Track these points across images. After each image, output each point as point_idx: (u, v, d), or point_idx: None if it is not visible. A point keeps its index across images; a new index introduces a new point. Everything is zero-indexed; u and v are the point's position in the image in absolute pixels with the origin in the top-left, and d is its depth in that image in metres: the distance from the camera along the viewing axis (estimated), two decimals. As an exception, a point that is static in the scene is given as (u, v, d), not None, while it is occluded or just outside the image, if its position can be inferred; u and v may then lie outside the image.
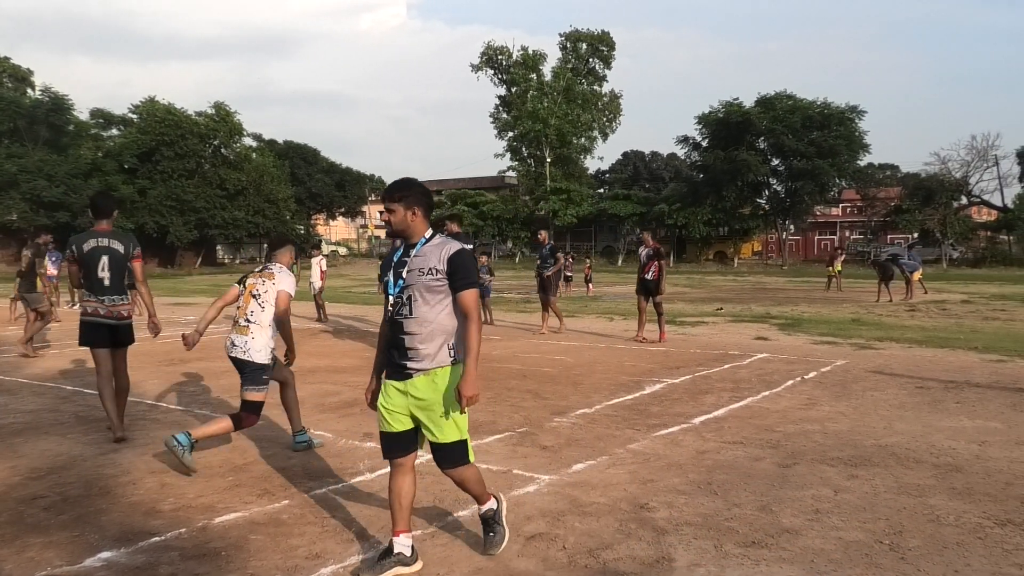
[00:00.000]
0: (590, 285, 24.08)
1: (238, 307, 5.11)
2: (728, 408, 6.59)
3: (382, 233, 67.95)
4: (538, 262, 12.86)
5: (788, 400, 6.92)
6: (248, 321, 4.98)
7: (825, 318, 14.62)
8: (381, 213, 3.42)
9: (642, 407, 6.66)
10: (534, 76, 52.92)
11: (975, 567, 3.33)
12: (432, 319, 3.24)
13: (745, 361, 9.24)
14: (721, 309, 16.76)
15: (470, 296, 3.27)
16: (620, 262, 46.80)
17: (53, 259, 14.93)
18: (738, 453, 5.16)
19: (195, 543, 3.62)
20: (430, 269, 3.23)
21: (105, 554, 3.49)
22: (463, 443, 3.33)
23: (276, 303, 5.02)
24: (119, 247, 5.70)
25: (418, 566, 3.33)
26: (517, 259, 51.11)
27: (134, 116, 45.12)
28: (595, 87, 54.47)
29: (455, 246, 3.29)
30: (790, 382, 7.80)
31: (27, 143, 40.80)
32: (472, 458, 3.39)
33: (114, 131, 47.41)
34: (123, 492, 4.39)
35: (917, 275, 20.56)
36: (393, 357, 3.32)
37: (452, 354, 3.27)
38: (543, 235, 13.03)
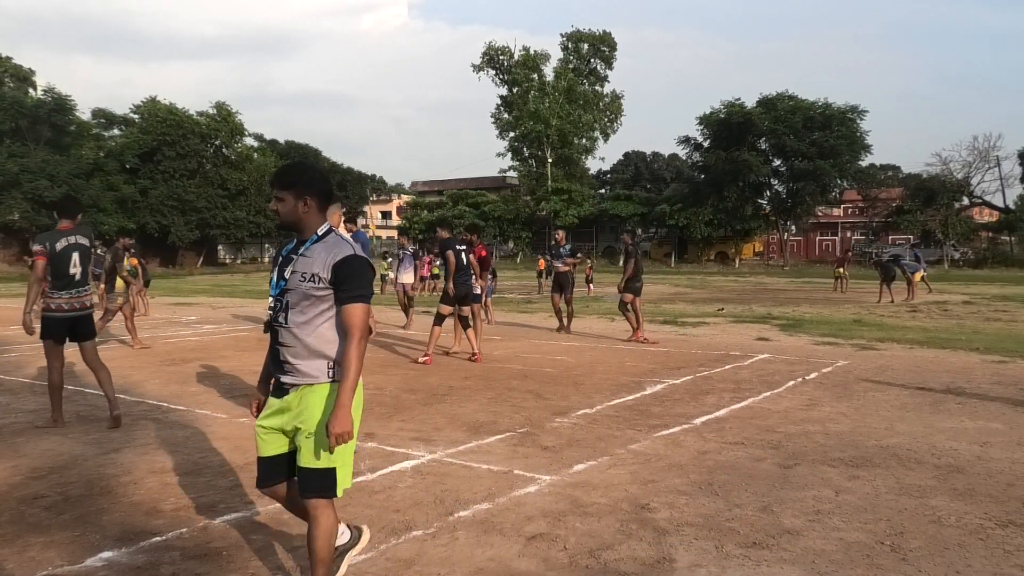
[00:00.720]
0: (591, 285, 24.07)
1: None
2: (729, 409, 6.59)
3: (382, 233, 67.96)
4: (555, 263, 12.82)
5: (789, 401, 6.92)
6: None
7: (826, 319, 14.62)
8: (271, 202, 2.92)
9: (643, 407, 6.66)
10: (535, 76, 52.99)
11: (976, 568, 3.33)
12: (309, 332, 2.76)
13: (746, 362, 9.23)
14: (722, 310, 16.76)
15: (356, 311, 2.74)
16: (621, 262, 46.73)
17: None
18: (739, 454, 5.16)
19: (196, 543, 3.62)
20: (312, 275, 2.74)
21: (106, 554, 3.49)
22: (331, 472, 2.76)
23: None
24: (84, 240, 6.08)
25: (366, 536, 3.23)
26: (519, 259, 51.11)
27: (135, 116, 45.16)
28: (596, 87, 54.55)
29: (344, 251, 2.76)
30: (791, 383, 7.80)
31: (29, 143, 40.84)
32: (340, 493, 2.80)
33: (116, 131, 47.43)
34: (124, 492, 4.39)
35: (918, 276, 20.59)
36: (271, 368, 2.91)
37: (331, 373, 2.77)
38: (560, 235, 13.00)
